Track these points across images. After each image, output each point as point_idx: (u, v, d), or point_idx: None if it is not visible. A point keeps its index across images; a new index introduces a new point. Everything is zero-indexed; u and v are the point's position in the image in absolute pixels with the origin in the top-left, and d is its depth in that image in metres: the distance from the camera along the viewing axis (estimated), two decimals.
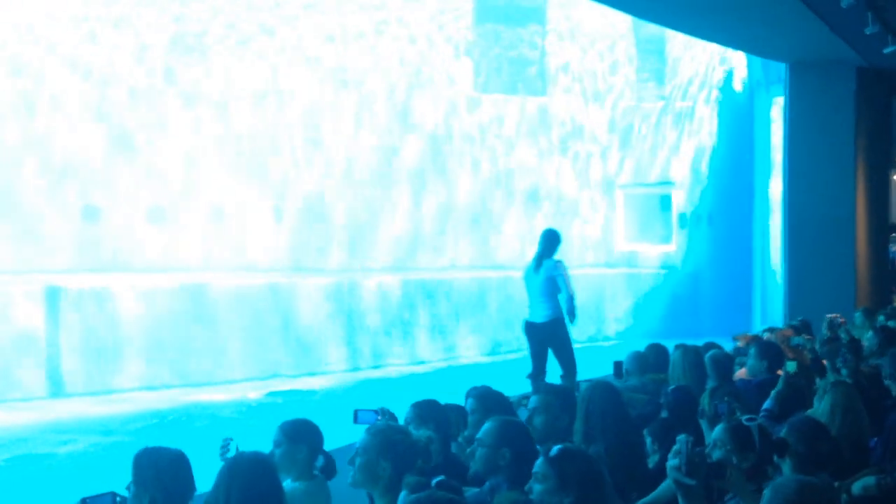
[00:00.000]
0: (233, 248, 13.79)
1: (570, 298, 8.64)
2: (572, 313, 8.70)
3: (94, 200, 12.89)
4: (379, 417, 4.31)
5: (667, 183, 17.48)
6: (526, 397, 5.02)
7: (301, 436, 4.10)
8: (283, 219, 14.24)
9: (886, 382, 6.21)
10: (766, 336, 8.19)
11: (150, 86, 13.37)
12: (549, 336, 8.70)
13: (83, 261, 12.74)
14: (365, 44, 15.16)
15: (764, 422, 5.61)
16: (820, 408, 5.12)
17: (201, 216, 13.59)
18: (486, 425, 3.97)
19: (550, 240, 8.81)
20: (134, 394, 11.18)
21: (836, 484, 4.32)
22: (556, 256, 8.80)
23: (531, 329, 8.81)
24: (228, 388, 11.53)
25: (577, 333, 9.16)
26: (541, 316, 8.71)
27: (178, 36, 13.61)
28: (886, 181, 15.63)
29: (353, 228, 14.86)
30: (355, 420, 4.29)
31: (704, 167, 17.46)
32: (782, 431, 4.15)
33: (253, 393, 11.44)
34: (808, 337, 7.77)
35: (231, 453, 3.93)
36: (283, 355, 12.56)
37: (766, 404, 5.80)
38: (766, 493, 3.19)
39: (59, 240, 12.64)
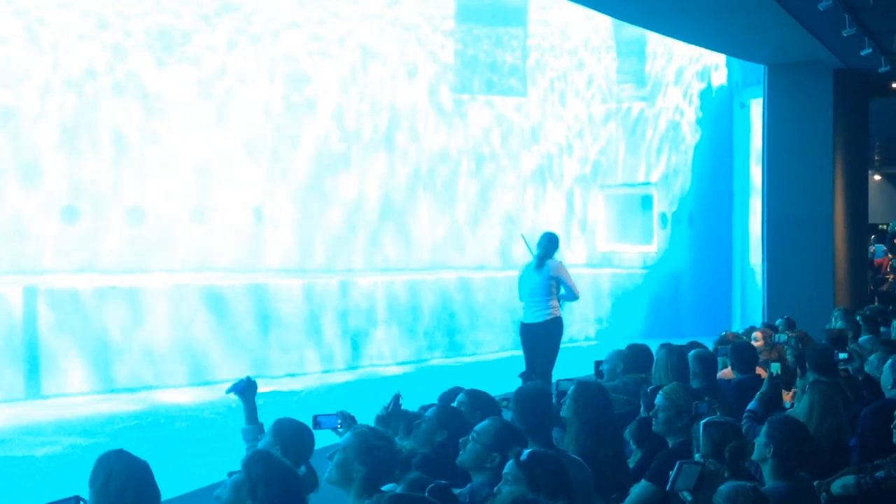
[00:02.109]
0: (213, 248, 13.73)
1: (576, 299, 9.03)
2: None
3: (73, 201, 12.81)
4: (340, 422, 4.26)
5: (647, 183, 17.54)
6: (507, 399, 4.99)
7: (285, 440, 4.04)
8: (265, 219, 14.19)
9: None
10: (743, 336, 8.24)
11: (131, 85, 13.28)
12: (544, 335, 8.74)
13: (62, 262, 12.65)
14: (350, 43, 15.13)
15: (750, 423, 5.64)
16: (798, 407, 5.15)
17: (182, 217, 13.53)
18: (487, 423, 3.94)
19: (551, 242, 8.91)
20: (113, 395, 11.11)
21: (816, 483, 4.36)
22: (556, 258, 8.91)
23: (528, 330, 8.85)
24: (209, 389, 11.46)
25: None
26: (539, 316, 8.75)
27: (162, 33, 13.53)
28: (865, 181, 15.75)
29: (337, 229, 14.83)
30: (315, 426, 4.24)
31: (684, 168, 17.52)
32: (762, 430, 4.18)
33: (233, 394, 11.35)
34: (792, 334, 7.81)
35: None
36: (265, 356, 12.51)
37: (751, 405, 5.83)
38: None
39: (38, 240, 12.55)
